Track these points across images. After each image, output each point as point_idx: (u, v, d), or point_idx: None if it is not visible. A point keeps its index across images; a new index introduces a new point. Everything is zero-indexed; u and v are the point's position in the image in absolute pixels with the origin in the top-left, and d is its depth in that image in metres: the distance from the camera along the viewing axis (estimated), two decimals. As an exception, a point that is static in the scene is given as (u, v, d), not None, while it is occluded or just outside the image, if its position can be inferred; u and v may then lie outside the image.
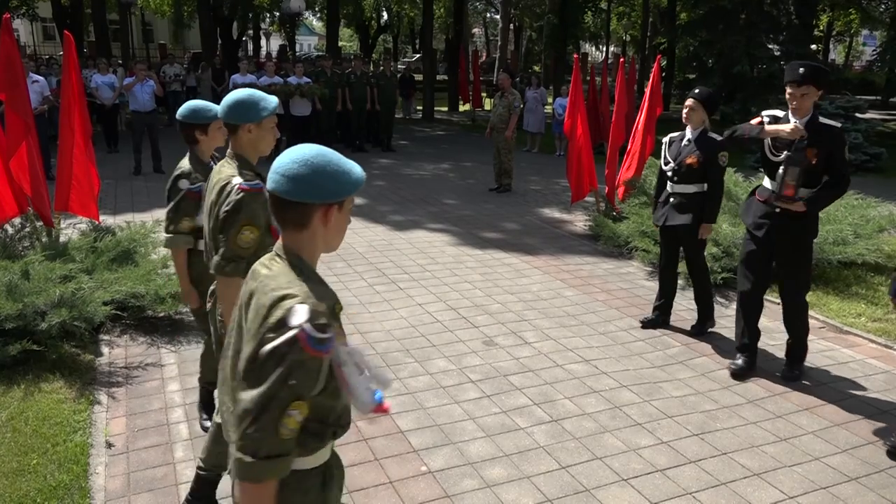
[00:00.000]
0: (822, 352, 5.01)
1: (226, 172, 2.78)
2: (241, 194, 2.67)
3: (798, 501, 3.28)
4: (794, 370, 4.57)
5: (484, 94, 23.25)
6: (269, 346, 1.54)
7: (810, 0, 19.57)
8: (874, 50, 26.56)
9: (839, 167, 4.16)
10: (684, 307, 5.64)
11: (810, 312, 5.70)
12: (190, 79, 18.06)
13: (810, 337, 5.27)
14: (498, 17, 35.95)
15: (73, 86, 5.57)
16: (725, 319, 5.57)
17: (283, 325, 1.54)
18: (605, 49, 40.30)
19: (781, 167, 4.21)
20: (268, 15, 34.03)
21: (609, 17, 35.75)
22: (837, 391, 4.41)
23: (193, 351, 4.73)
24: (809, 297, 5.99)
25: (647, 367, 4.69)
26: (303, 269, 1.66)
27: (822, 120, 4.17)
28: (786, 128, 4.18)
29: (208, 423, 3.65)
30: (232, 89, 12.47)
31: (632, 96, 12.96)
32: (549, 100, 18.66)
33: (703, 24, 19.27)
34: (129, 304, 4.96)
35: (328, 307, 1.61)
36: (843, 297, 6.03)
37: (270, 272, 1.67)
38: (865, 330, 5.37)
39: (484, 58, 41.18)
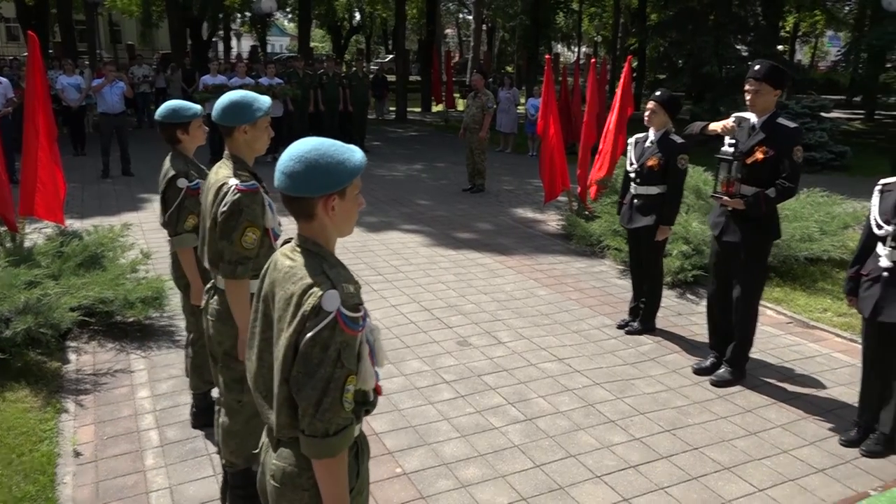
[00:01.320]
0: (789, 346, 5.10)
1: (222, 173, 2.80)
2: (238, 195, 2.69)
3: (767, 494, 3.33)
4: (732, 373, 4.48)
5: (457, 95, 23.29)
6: (310, 334, 1.64)
7: (776, 1, 19.91)
8: (839, 50, 27.11)
9: (789, 167, 4.11)
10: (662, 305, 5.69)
11: (778, 308, 5.82)
12: (159, 80, 17.85)
13: (778, 332, 5.37)
14: (471, 17, 36.03)
15: (37, 87, 5.47)
16: (697, 316, 5.65)
17: (319, 311, 1.64)
18: (576, 50, 40.59)
19: (721, 164, 4.27)
20: (238, 15, 33.71)
21: (581, 18, 36.06)
22: (805, 385, 4.49)
23: (164, 356, 4.67)
24: (777, 293, 6.12)
25: (619, 365, 4.73)
26: (324, 255, 1.77)
27: (780, 120, 4.17)
28: (718, 125, 4.28)
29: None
30: (202, 90, 12.41)
31: (603, 96, 13.09)
32: (522, 100, 18.75)
33: (673, 25, 19.51)
34: (97, 310, 4.88)
35: (355, 287, 1.73)
36: (810, 292, 6.14)
37: (294, 262, 1.75)
38: (831, 325, 5.48)
39: (457, 58, 41.23)
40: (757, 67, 4.13)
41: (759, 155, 4.13)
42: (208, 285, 3.06)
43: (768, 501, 3.27)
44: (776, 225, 4.37)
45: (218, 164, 2.90)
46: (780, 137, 4.10)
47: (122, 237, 5.76)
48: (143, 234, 7.63)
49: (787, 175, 4.10)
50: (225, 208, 2.70)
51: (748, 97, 4.17)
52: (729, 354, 4.52)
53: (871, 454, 3.65)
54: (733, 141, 4.25)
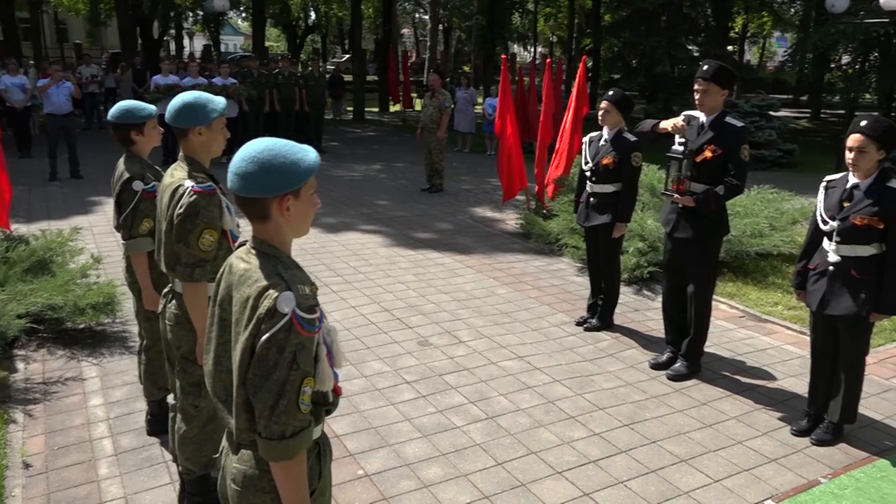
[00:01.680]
0: (742, 340, 5.23)
1: (178, 175, 2.75)
2: (195, 196, 2.64)
3: (723, 484, 3.41)
4: (688, 367, 4.57)
5: (414, 95, 23.25)
6: (266, 336, 1.62)
7: (725, 3, 20.39)
8: (785, 51, 27.90)
9: (736, 165, 4.20)
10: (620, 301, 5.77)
11: (731, 302, 5.96)
12: (109, 80, 17.39)
13: (731, 325, 5.50)
14: (427, 17, 36.04)
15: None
16: (653, 312, 5.75)
17: (274, 313, 1.63)
18: (532, 50, 40.93)
19: (671, 162, 4.36)
20: (190, 14, 33.09)
21: (536, 18, 36.37)
22: (757, 377, 4.61)
23: (117, 362, 4.56)
24: (730, 288, 6.26)
25: (578, 361, 4.78)
26: (279, 257, 1.76)
27: (728, 119, 4.25)
28: (669, 123, 4.36)
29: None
30: (154, 90, 12.14)
31: (559, 96, 13.23)
32: (479, 100, 18.82)
33: (626, 26, 19.85)
34: (46, 317, 4.73)
35: (311, 288, 1.72)
36: (761, 286, 6.31)
37: (249, 265, 1.74)
38: (782, 318, 5.63)
39: (414, 58, 41.17)
40: (705, 68, 4.22)
41: (707, 153, 4.22)
42: (166, 289, 3.01)
43: (723, 492, 3.35)
44: (725, 221, 4.48)
45: (173, 166, 2.86)
46: (728, 136, 4.19)
47: (72, 241, 5.60)
48: (93, 238, 7.43)
49: (735, 173, 4.19)
50: (181, 210, 2.65)
51: (697, 97, 4.26)
52: (684, 349, 4.60)
53: (820, 443, 3.77)
54: (683, 140, 4.33)
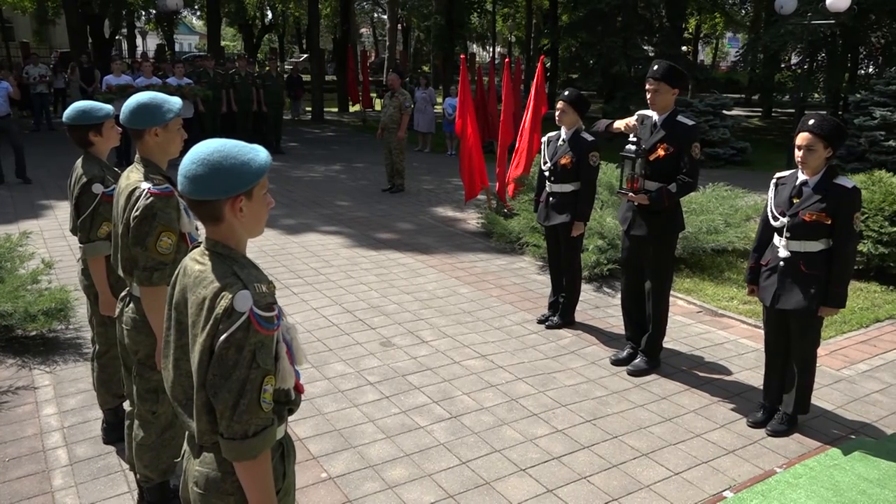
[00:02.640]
0: (699, 334, 5.33)
1: (133, 177, 2.70)
2: (151, 198, 2.60)
3: (683, 477, 3.47)
4: (647, 363, 4.64)
5: (374, 95, 23.16)
6: (224, 336, 1.61)
7: (679, 4, 20.78)
8: (737, 51, 28.55)
9: (687, 163, 4.27)
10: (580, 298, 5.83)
11: (688, 298, 6.07)
12: (58, 80, 16.93)
13: (688, 321, 5.61)
14: (385, 17, 35.92)
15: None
16: (613, 308, 5.82)
17: (231, 312, 1.62)
18: (491, 50, 41.12)
19: (625, 161, 4.44)
20: (143, 13, 32.39)
21: (494, 18, 36.53)
22: (715, 370, 4.71)
23: (71, 370, 4.44)
24: (687, 283, 6.38)
25: (540, 359, 4.82)
26: (234, 257, 1.74)
27: (679, 118, 4.33)
28: (622, 123, 4.44)
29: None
30: (105, 90, 11.84)
31: (518, 96, 13.27)
32: (439, 100, 18.84)
33: (583, 26, 20.08)
34: (-5, 324, 4.58)
35: (268, 287, 1.71)
36: (717, 282, 6.45)
37: (204, 266, 1.72)
38: (737, 312, 5.76)
39: (373, 58, 41.03)
40: (655, 67, 4.30)
41: (660, 152, 4.31)
42: (123, 293, 2.95)
43: (683, 484, 3.41)
44: (681, 218, 4.58)
45: (129, 168, 2.80)
46: (680, 135, 4.28)
47: (21, 246, 5.42)
48: (44, 243, 7.22)
49: (687, 171, 4.28)
50: (137, 213, 2.60)
51: (649, 96, 4.35)
52: (644, 345, 4.68)
53: (776, 434, 3.87)
54: (636, 139, 4.40)
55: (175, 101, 2.74)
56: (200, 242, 1.82)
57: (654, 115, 4.39)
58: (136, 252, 2.63)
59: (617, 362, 4.75)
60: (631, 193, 4.40)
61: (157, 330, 2.71)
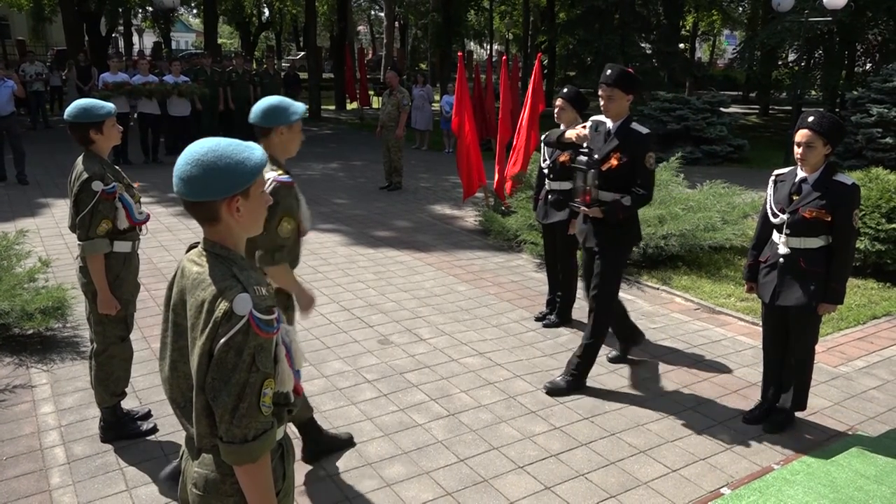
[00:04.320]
0: (697, 332, 5.34)
1: None
2: (276, 185, 2.83)
3: (680, 473, 3.48)
4: (574, 380, 4.31)
5: (371, 93, 23.14)
6: (224, 339, 1.59)
7: (676, 1, 20.79)
8: (735, 49, 28.57)
9: (641, 174, 4.05)
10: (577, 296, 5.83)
11: (686, 295, 6.08)
12: (54, 78, 16.88)
13: (686, 318, 5.61)
14: (383, 14, 35.88)
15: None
16: (610, 306, 5.82)
17: (231, 315, 1.60)
18: (489, 47, 41.10)
19: (576, 173, 4.23)
20: (140, 10, 32.30)
21: (492, 15, 36.53)
22: (712, 368, 4.71)
23: (68, 369, 4.43)
24: (685, 281, 6.39)
25: (538, 356, 4.82)
26: (233, 259, 1.71)
27: (633, 125, 4.10)
28: (572, 132, 4.22)
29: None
30: (102, 88, 11.82)
31: (516, 93, 13.30)
32: (436, 97, 18.83)
33: (581, 24, 20.08)
34: (-8, 323, 4.57)
35: (267, 289, 1.69)
36: (715, 279, 6.45)
37: (202, 268, 1.69)
38: (735, 309, 5.77)
39: (370, 55, 40.98)
40: (608, 72, 4.08)
41: (613, 161, 4.07)
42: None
43: (681, 481, 3.42)
44: (637, 230, 4.34)
45: None
46: (633, 144, 4.05)
47: (18, 245, 5.41)
48: (41, 241, 7.20)
49: (641, 182, 4.06)
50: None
51: (602, 103, 4.11)
52: (581, 358, 4.36)
53: (773, 430, 3.87)
54: (588, 149, 4.19)
55: (300, 106, 3.02)
56: (195, 244, 1.81)
57: (609, 123, 4.15)
58: (257, 237, 2.73)
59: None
60: (583, 207, 4.17)
61: (294, 290, 3.08)
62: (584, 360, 4.31)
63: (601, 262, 4.22)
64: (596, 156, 4.14)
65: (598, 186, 4.13)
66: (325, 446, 3.52)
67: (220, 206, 1.67)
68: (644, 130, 4.10)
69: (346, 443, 3.62)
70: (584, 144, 4.21)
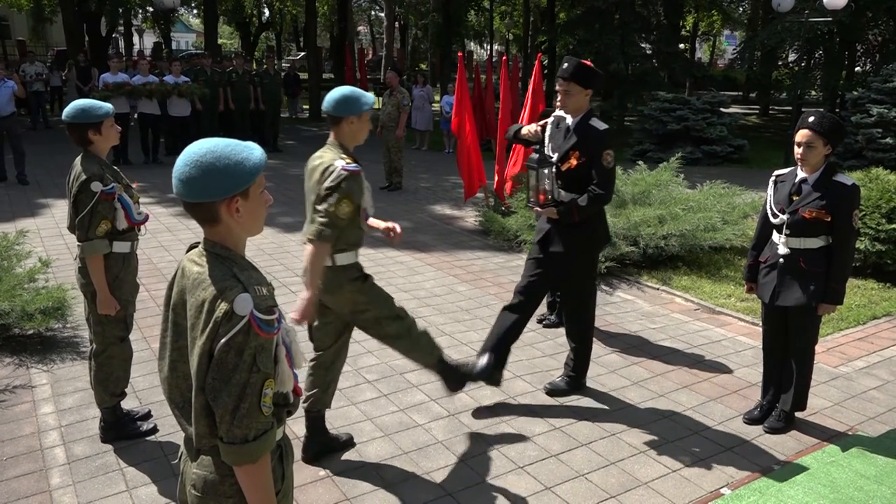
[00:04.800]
0: (697, 332, 5.34)
1: (328, 156, 3.15)
2: (344, 174, 3.03)
3: (680, 474, 3.48)
4: (568, 384, 4.27)
5: (372, 93, 23.12)
6: (224, 339, 1.59)
7: (676, 1, 20.79)
8: (735, 49, 28.57)
9: (599, 173, 3.85)
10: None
11: (686, 295, 6.08)
12: (54, 78, 16.88)
13: (686, 318, 5.61)
14: (383, 14, 35.88)
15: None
16: (611, 306, 5.83)
17: (231, 315, 1.59)
18: (489, 47, 41.10)
19: (529, 172, 4.04)
20: (140, 10, 32.30)
21: (492, 16, 36.53)
22: (712, 368, 4.71)
23: (68, 369, 4.43)
24: (685, 281, 6.39)
25: (538, 357, 4.82)
26: (234, 259, 1.71)
27: (592, 121, 3.90)
28: (527, 129, 4.08)
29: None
30: (102, 88, 11.81)
31: (516, 93, 13.28)
32: (436, 98, 18.83)
33: (581, 24, 20.07)
34: (-8, 323, 4.57)
35: (268, 289, 1.69)
36: (715, 279, 6.45)
37: (203, 268, 1.69)
38: (735, 309, 5.77)
39: (370, 56, 40.99)
40: (564, 66, 3.87)
41: (573, 161, 3.90)
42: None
43: (681, 481, 3.42)
44: (603, 232, 4.16)
45: (322, 149, 3.25)
46: (591, 141, 3.87)
47: (18, 245, 5.41)
48: (41, 242, 7.21)
49: (598, 181, 3.86)
50: (332, 183, 3.02)
51: (559, 98, 3.94)
52: (570, 366, 4.31)
53: (773, 431, 3.87)
54: (542, 146, 4.07)
55: (370, 97, 3.18)
56: (196, 244, 1.81)
57: (568, 118, 3.97)
58: (315, 213, 3.04)
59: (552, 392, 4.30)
60: (537, 207, 3.98)
61: (313, 281, 3.09)
62: (578, 362, 4.29)
63: (569, 268, 4.03)
64: (556, 154, 3.97)
65: (560, 186, 3.99)
66: (326, 446, 3.52)
67: (220, 206, 1.66)
68: (602, 126, 3.91)
69: (346, 443, 3.62)
70: (543, 141, 4.04)
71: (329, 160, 3.13)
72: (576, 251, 4.01)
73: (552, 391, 4.26)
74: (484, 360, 3.91)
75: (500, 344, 4.07)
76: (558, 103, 3.99)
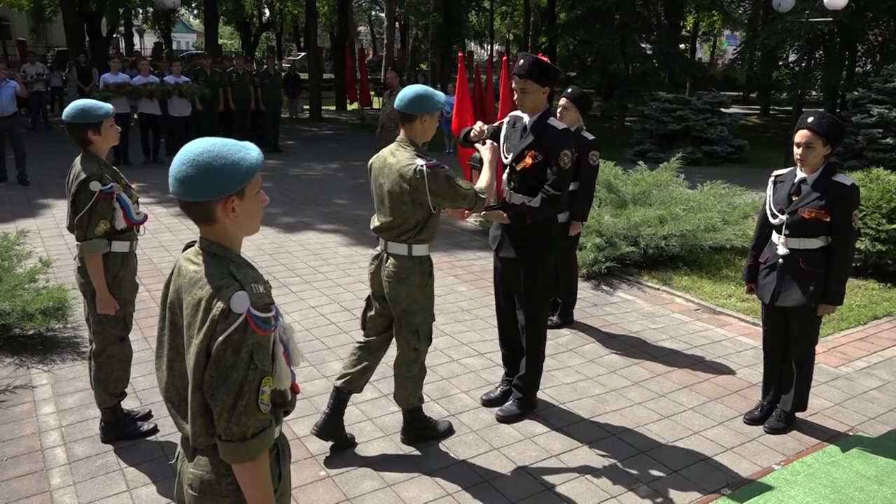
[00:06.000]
0: (698, 332, 5.34)
1: (403, 156, 3.25)
2: (429, 171, 3.16)
3: (681, 474, 3.47)
4: (520, 406, 4.00)
5: (372, 93, 23.14)
6: (222, 337, 1.59)
7: (677, 1, 20.78)
8: (735, 49, 28.56)
9: (554, 173, 3.68)
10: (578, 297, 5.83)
11: (686, 296, 6.07)
12: (55, 78, 16.88)
13: (687, 318, 5.61)
14: (383, 15, 35.89)
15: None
16: (611, 307, 5.82)
17: (228, 313, 1.60)
18: (489, 47, 41.10)
19: (473, 172, 3.94)
20: (140, 11, 32.32)
21: (492, 16, 36.55)
22: (713, 368, 4.71)
23: (69, 369, 4.43)
24: (685, 281, 6.39)
25: (539, 357, 4.81)
26: (230, 257, 1.71)
27: (550, 121, 3.76)
28: (474, 130, 3.91)
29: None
30: (102, 88, 11.82)
31: (516, 94, 13.26)
32: (437, 98, 18.76)
33: (581, 24, 20.07)
34: (-7, 323, 4.57)
35: (265, 287, 1.69)
36: (715, 279, 6.45)
37: (199, 267, 1.69)
38: (735, 310, 5.77)
39: (371, 56, 41.00)
40: (521, 62, 3.70)
41: (528, 160, 3.72)
42: (376, 252, 3.49)
43: (682, 481, 3.42)
44: (558, 235, 3.98)
45: (392, 148, 3.34)
46: (548, 140, 3.70)
47: (19, 245, 5.41)
48: (41, 242, 7.21)
49: (552, 182, 3.67)
50: (417, 182, 3.16)
51: (516, 97, 3.75)
52: (517, 382, 4.02)
53: (773, 431, 3.87)
54: (504, 146, 3.92)
55: (441, 95, 3.29)
56: (192, 242, 1.80)
57: (525, 118, 3.82)
58: (448, 204, 3.28)
59: (488, 402, 4.11)
60: (485, 210, 3.70)
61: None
62: (527, 375, 3.98)
63: (523, 275, 3.82)
64: (511, 154, 3.83)
65: (515, 188, 3.82)
66: (336, 436, 3.60)
67: (216, 206, 1.67)
68: (560, 126, 3.75)
69: (348, 442, 3.63)
70: (498, 141, 3.88)
71: (406, 159, 3.23)
72: (528, 257, 3.81)
73: (504, 417, 3.94)
74: (446, 425, 3.75)
75: (516, 361, 4.11)
76: (516, 101, 3.79)
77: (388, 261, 3.40)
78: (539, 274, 3.83)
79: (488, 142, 3.62)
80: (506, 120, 3.96)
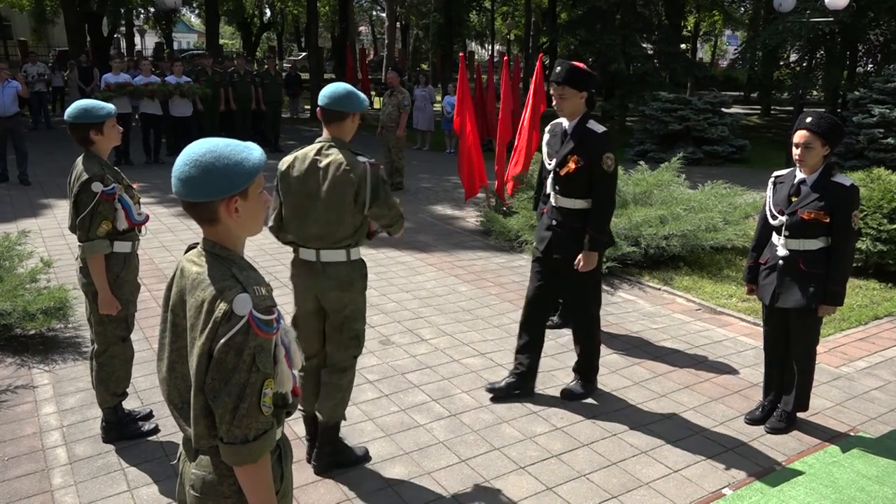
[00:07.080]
0: (699, 332, 5.33)
1: (335, 156, 3.10)
2: (375, 168, 3.12)
3: (682, 474, 3.47)
4: (581, 388, 4.25)
5: (373, 93, 23.15)
6: (224, 339, 1.59)
7: (678, 1, 20.77)
8: (736, 49, 28.53)
9: (600, 178, 3.83)
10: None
11: (687, 296, 6.07)
12: (56, 78, 16.89)
13: (688, 318, 5.60)
14: (384, 15, 35.89)
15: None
16: (613, 307, 5.82)
17: (231, 316, 1.59)
18: (490, 47, 41.10)
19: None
20: (141, 11, 32.34)
21: (493, 16, 36.52)
22: (714, 368, 4.71)
23: (70, 369, 4.44)
24: (686, 281, 6.39)
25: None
26: (233, 259, 1.71)
27: (589, 124, 3.87)
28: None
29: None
30: (104, 88, 11.83)
31: (517, 94, 13.29)
32: (438, 98, 18.83)
33: (582, 24, 20.05)
34: (-6, 323, 4.58)
35: (267, 289, 1.69)
36: (716, 279, 6.45)
37: (201, 269, 1.69)
38: (736, 310, 5.76)
39: (371, 56, 40.99)
40: (557, 70, 3.83)
41: (571, 165, 3.87)
42: (301, 267, 3.29)
43: (683, 481, 3.42)
44: (607, 233, 4.09)
45: (314, 149, 3.17)
46: (590, 145, 3.84)
47: (20, 245, 5.42)
48: (43, 242, 7.22)
49: (598, 189, 3.87)
50: (372, 182, 3.08)
51: (555, 103, 3.92)
52: (580, 370, 4.30)
53: (775, 431, 3.87)
54: (546, 152, 4.09)
55: (363, 95, 3.19)
56: (195, 244, 1.81)
57: (565, 123, 3.96)
58: (376, 211, 3.18)
59: (492, 389, 4.23)
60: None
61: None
62: (585, 364, 4.27)
63: (575, 274, 3.99)
64: (553, 160, 3.97)
65: (559, 192, 3.98)
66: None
67: (219, 206, 1.66)
68: (600, 129, 3.88)
69: (362, 459, 3.55)
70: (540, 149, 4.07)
71: (342, 159, 3.08)
72: (575, 255, 3.97)
73: (568, 394, 4.22)
74: (364, 451, 3.56)
75: (532, 363, 4.21)
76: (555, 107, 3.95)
77: (326, 271, 3.21)
78: (590, 270, 4.02)
79: None
80: (548, 128, 4.09)
